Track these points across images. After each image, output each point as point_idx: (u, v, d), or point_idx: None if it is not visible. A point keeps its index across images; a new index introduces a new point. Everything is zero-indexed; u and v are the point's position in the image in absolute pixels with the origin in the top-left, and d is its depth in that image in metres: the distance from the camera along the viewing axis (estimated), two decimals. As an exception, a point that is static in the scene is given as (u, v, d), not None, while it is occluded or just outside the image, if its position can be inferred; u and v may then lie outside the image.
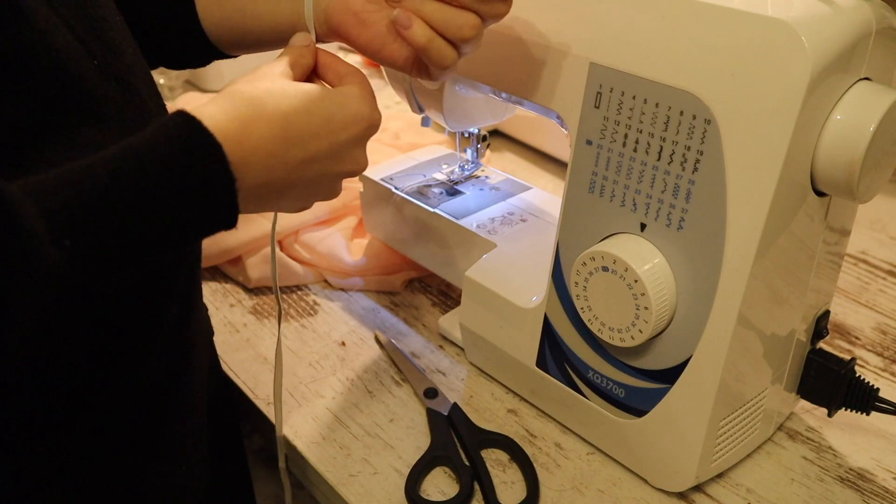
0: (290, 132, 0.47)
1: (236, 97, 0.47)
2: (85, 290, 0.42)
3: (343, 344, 0.78)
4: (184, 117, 0.44)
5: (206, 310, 0.69)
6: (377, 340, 0.79)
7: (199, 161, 0.43)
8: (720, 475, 0.65)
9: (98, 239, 0.40)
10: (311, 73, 0.55)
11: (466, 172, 0.85)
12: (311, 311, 0.83)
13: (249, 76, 0.50)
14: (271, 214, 0.85)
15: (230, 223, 0.46)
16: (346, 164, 0.52)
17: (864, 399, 0.64)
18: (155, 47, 0.64)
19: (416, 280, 0.87)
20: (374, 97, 0.54)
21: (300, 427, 0.69)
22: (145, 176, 0.42)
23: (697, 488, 0.63)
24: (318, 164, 0.50)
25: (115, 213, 0.41)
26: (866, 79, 0.53)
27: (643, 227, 0.58)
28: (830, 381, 0.64)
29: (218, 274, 0.88)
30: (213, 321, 0.75)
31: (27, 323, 0.40)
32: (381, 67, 0.77)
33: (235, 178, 0.45)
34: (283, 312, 0.83)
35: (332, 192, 0.54)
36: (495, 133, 1.15)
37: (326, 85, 0.55)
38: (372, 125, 0.53)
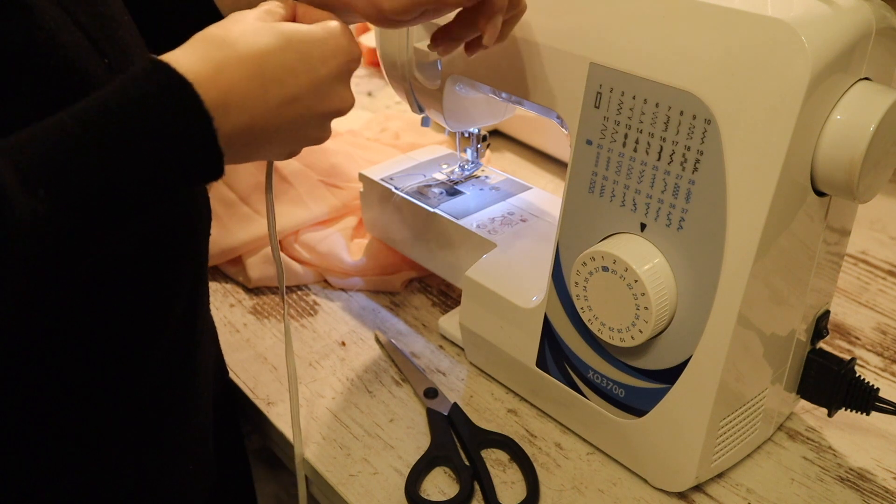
0: (266, 71, 0.46)
1: (206, 40, 0.45)
2: (77, 249, 0.41)
3: (343, 344, 0.79)
4: (152, 62, 0.43)
5: (210, 311, 0.69)
6: (377, 340, 0.79)
7: (171, 101, 0.42)
8: (720, 475, 0.65)
9: (74, 187, 0.40)
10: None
11: (466, 172, 0.85)
12: (311, 311, 0.83)
13: (223, 21, 0.48)
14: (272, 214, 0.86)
15: (216, 169, 0.45)
16: (330, 101, 0.50)
17: (864, 399, 0.64)
18: (173, 32, 0.65)
19: (416, 280, 0.87)
20: (351, 33, 0.52)
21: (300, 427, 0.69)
22: (115, 120, 0.41)
23: (697, 488, 0.63)
24: (301, 103, 0.48)
25: (87, 160, 0.40)
26: (866, 79, 0.53)
27: (643, 227, 0.58)
28: (830, 381, 0.64)
29: (218, 274, 0.88)
30: (213, 321, 0.75)
31: (17, 284, 0.39)
32: (381, 67, 0.77)
33: (212, 116, 0.43)
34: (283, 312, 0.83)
35: (320, 134, 0.52)
36: (495, 133, 1.15)
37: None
38: (352, 59, 0.51)
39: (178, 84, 0.42)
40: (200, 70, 0.43)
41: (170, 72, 0.42)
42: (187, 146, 0.43)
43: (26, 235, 0.38)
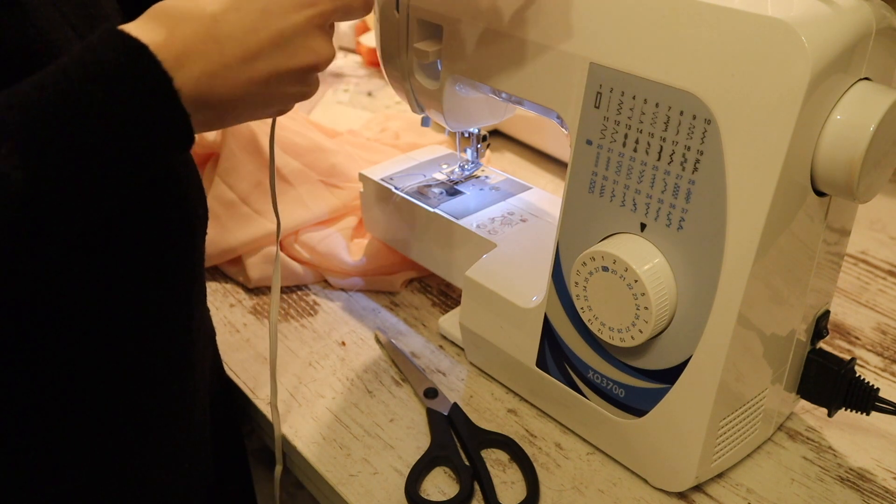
0: (221, 30, 0.45)
1: (157, 12, 0.45)
2: (59, 217, 0.41)
3: (343, 344, 0.78)
4: (107, 30, 0.43)
5: (208, 310, 0.69)
6: (377, 340, 0.79)
7: (128, 63, 0.42)
8: (720, 475, 0.65)
9: (39, 146, 0.39)
10: None
11: (466, 172, 0.85)
12: (311, 311, 0.83)
13: None
14: (272, 214, 0.86)
15: (184, 133, 0.44)
16: (301, 55, 0.48)
17: (864, 399, 0.64)
18: None
19: (416, 280, 0.87)
20: None
21: (300, 427, 0.69)
22: (74, 84, 0.41)
23: (697, 488, 0.63)
24: (266, 60, 0.47)
25: (50, 120, 0.40)
26: (866, 79, 0.53)
27: (643, 227, 0.58)
28: (830, 381, 0.64)
29: (218, 274, 0.88)
30: (213, 321, 0.75)
31: None
32: (381, 67, 0.77)
33: (171, 77, 0.43)
34: (283, 312, 0.83)
35: (302, 89, 0.51)
36: (495, 133, 1.15)
37: None
38: (318, 10, 0.49)
39: (134, 47, 0.42)
40: (153, 37, 0.43)
41: (125, 37, 0.43)
42: (150, 107, 0.43)
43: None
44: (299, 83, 0.50)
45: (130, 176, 0.44)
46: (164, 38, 0.43)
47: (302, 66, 0.49)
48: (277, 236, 0.65)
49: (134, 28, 0.44)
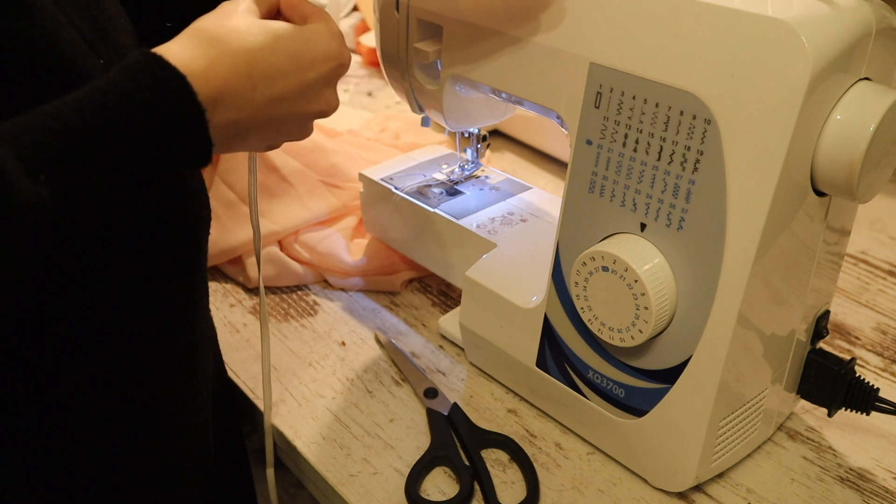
0: (256, 70, 0.46)
1: (201, 36, 0.46)
2: (73, 235, 0.42)
3: (343, 344, 0.78)
4: (146, 55, 0.43)
5: (210, 311, 0.69)
6: (377, 340, 0.79)
7: (166, 93, 0.43)
8: (720, 475, 0.65)
9: (74, 174, 0.40)
10: (276, 14, 0.53)
11: (466, 172, 0.85)
12: (311, 311, 0.83)
13: (213, 14, 0.48)
14: (271, 215, 0.86)
15: (204, 158, 0.46)
16: (315, 103, 0.51)
17: (864, 399, 0.64)
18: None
19: (416, 280, 0.87)
20: (342, 36, 0.52)
21: (300, 427, 0.69)
22: (112, 111, 0.41)
23: (697, 488, 0.64)
24: (287, 103, 0.49)
25: (86, 149, 0.41)
26: (866, 79, 0.53)
27: (643, 227, 0.58)
28: (830, 381, 0.64)
29: (218, 274, 0.88)
30: (214, 321, 0.75)
31: (21, 268, 0.40)
32: (381, 67, 0.77)
33: (205, 108, 0.44)
34: (283, 312, 0.83)
35: (301, 132, 0.53)
36: (495, 133, 1.15)
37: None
38: (342, 64, 0.51)
39: (172, 77, 0.43)
40: (194, 66, 0.44)
41: (164, 65, 0.43)
42: (180, 136, 0.44)
43: (31, 220, 0.39)
44: (302, 127, 0.52)
45: (149, 192, 0.45)
46: (203, 70, 0.44)
47: (314, 111, 0.51)
48: (258, 253, 0.65)
49: (175, 51, 0.44)
